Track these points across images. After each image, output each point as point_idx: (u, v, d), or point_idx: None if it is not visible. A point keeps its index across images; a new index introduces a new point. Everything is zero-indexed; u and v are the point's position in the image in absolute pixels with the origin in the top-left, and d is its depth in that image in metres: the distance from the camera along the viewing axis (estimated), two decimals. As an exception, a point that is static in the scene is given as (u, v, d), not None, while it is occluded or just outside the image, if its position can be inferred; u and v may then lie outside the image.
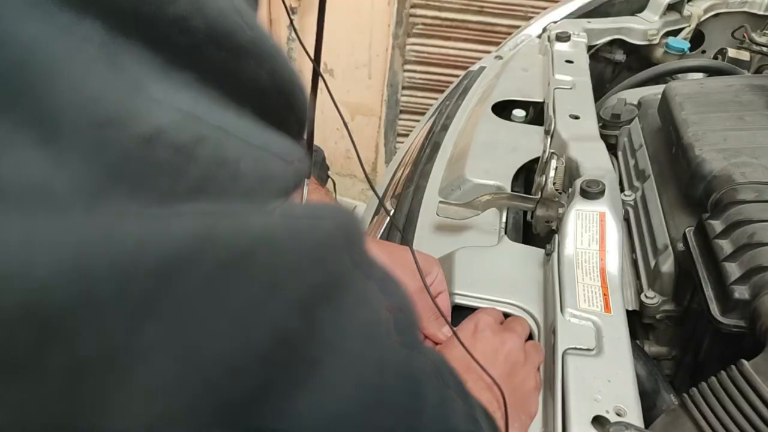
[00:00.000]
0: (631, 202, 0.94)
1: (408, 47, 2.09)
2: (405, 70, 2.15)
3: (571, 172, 0.80)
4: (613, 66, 1.31)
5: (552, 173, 0.74)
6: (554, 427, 0.48)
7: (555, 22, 1.24)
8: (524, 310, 0.62)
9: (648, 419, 0.56)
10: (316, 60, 0.62)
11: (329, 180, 2.30)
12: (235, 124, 0.20)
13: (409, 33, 2.06)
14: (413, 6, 2.01)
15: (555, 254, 0.64)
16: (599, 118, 1.09)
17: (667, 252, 0.77)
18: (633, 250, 0.88)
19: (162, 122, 0.16)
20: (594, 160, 0.77)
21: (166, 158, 0.16)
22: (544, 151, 0.77)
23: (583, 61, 1.07)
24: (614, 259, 0.63)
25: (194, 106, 0.18)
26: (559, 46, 1.10)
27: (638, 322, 0.81)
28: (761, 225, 0.62)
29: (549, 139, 0.78)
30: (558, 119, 0.88)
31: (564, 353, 0.53)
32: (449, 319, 0.60)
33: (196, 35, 0.18)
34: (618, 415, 0.48)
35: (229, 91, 0.20)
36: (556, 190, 0.76)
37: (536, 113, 1.02)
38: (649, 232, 0.84)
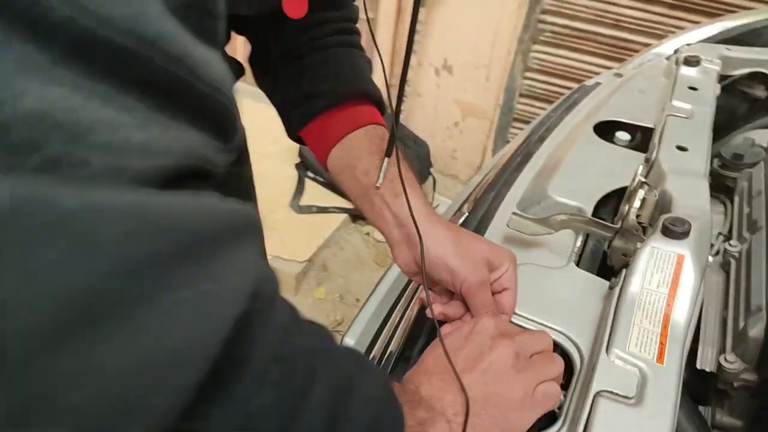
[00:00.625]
0: (735, 254, 0.84)
1: (532, 54, 2.03)
2: (525, 78, 2.09)
3: (663, 206, 0.73)
4: (750, 102, 1.18)
5: (637, 203, 0.69)
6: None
7: (689, 45, 1.14)
8: (571, 340, 0.59)
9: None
10: (406, 58, 0.63)
11: (430, 177, 2.30)
12: (111, 115, 0.23)
13: (535, 39, 1.99)
14: (544, 12, 1.94)
15: (617, 288, 0.60)
16: (719, 157, 0.99)
17: (759, 315, 0.68)
18: (726, 307, 0.80)
19: (17, 112, 0.20)
20: (691, 197, 0.71)
21: (17, 140, 0.20)
22: (635, 179, 0.72)
23: (710, 90, 0.97)
24: (684, 309, 0.57)
25: (65, 98, 0.21)
26: (686, 71, 1.01)
27: (713, 386, 0.73)
28: None
29: (644, 167, 0.72)
30: (662, 148, 0.81)
31: (597, 394, 0.50)
32: (509, 317, 0.59)
33: (88, 31, 0.22)
34: (641, 472, 0.44)
35: (121, 84, 0.23)
36: (640, 223, 0.71)
37: (643, 139, 0.95)
38: (746, 290, 0.75)
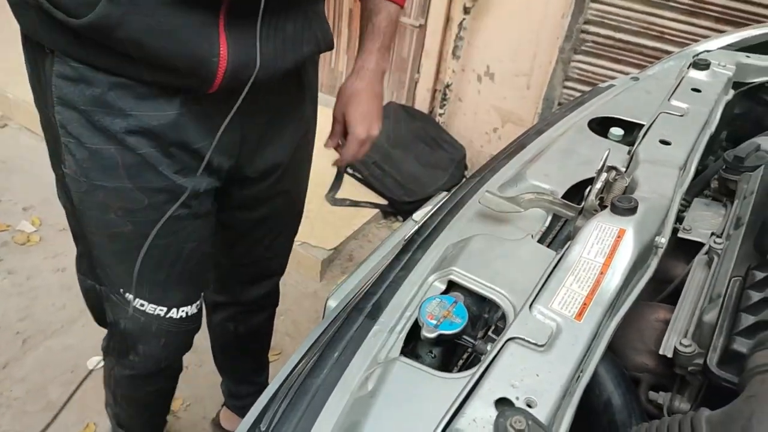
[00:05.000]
0: (719, 251, 0.84)
1: (573, 64, 2.03)
2: (565, 87, 2.09)
3: (630, 192, 0.75)
4: (773, 111, 1.16)
5: (599, 185, 0.71)
6: (460, 393, 0.49)
7: (709, 51, 1.14)
8: (508, 300, 0.62)
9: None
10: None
11: (463, 179, 2.33)
12: None
13: (577, 50, 2.00)
14: (587, 22, 1.94)
15: (558, 257, 0.63)
16: (724, 161, 0.99)
17: (716, 301, 0.69)
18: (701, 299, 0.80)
19: None
20: (654, 183, 0.73)
21: None
22: (603, 163, 0.74)
23: (715, 92, 0.97)
24: (616, 279, 0.60)
25: None
26: (693, 74, 1.01)
27: (672, 373, 0.74)
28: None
29: (609, 150, 0.74)
30: (644, 140, 0.83)
31: (509, 339, 0.53)
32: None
33: None
34: (528, 405, 0.48)
35: None
36: (603, 205, 0.73)
37: (637, 136, 0.96)
38: (713, 276, 0.75)
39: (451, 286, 0.67)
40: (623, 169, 0.76)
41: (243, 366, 1.49)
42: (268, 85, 0.81)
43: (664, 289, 0.83)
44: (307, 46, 0.86)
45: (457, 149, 2.36)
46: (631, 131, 0.98)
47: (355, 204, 2.26)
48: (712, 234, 0.94)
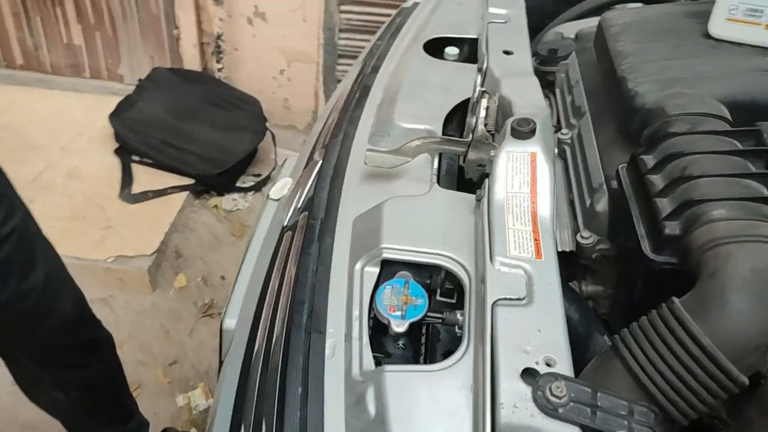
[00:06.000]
0: (568, 141, 0.91)
1: (343, -14, 1.98)
2: (341, 12, 2.04)
3: (503, 111, 0.75)
4: (552, -2, 1.26)
5: (482, 113, 0.69)
6: (483, 382, 0.45)
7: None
8: (454, 260, 0.59)
9: (582, 363, 0.55)
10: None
11: (267, 132, 2.20)
12: None
13: (342, -29, 1.94)
14: (345, -59, 1.89)
15: (485, 199, 0.61)
16: (537, 54, 1.05)
17: (602, 190, 0.75)
18: (570, 190, 0.86)
19: None
20: (526, 97, 0.73)
21: None
22: (475, 90, 0.72)
23: (519, -8, 1.01)
24: (546, 202, 0.60)
25: None
26: (492, -23, 1.03)
27: (575, 263, 0.79)
28: (694, 158, 0.60)
29: (480, 78, 0.73)
30: (490, 55, 0.83)
31: (494, 305, 0.50)
32: None
33: None
34: (548, 365, 0.46)
35: None
36: (488, 131, 0.72)
37: (471, 51, 0.97)
38: (585, 171, 0.81)
39: (384, 264, 0.61)
40: (491, 93, 0.75)
41: (104, 427, 1.26)
42: None
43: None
44: None
45: (251, 103, 2.19)
46: (461, 47, 0.98)
47: (160, 193, 1.99)
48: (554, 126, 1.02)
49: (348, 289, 0.60)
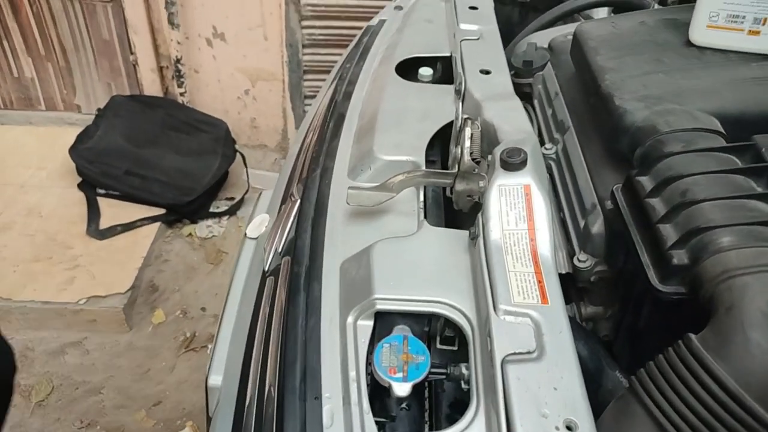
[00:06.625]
0: (553, 156, 0.88)
1: (303, 2, 1.93)
2: (303, 27, 1.99)
3: (488, 136, 0.72)
4: (519, 7, 1.24)
5: (467, 143, 0.66)
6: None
7: (453, -36, 1.14)
8: (454, 307, 0.55)
9: (594, 400, 0.52)
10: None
11: (237, 155, 2.14)
12: None
13: (302, -15, 1.89)
14: (303, -45, 1.84)
15: (481, 239, 0.57)
16: (511, 66, 1.02)
17: (596, 212, 0.72)
18: (560, 209, 0.83)
19: None
20: (511, 121, 0.70)
21: None
22: (457, 117, 0.69)
23: (488, 5, 0.98)
24: (545, 238, 0.56)
25: None
26: (460, -9, 1.01)
27: (572, 285, 0.77)
28: (693, 180, 0.57)
29: (461, 103, 0.69)
30: (468, 77, 0.80)
31: (503, 362, 0.46)
32: None
33: None
34: (569, 429, 0.42)
35: None
36: (474, 159, 0.69)
37: (445, 70, 0.93)
38: (575, 190, 0.79)
39: (378, 315, 0.57)
40: (471, 118, 0.72)
41: None
42: None
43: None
44: None
45: (216, 125, 2.12)
46: (434, 66, 0.95)
47: (129, 227, 1.91)
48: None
49: (341, 345, 0.56)
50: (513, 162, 0.60)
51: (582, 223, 0.75)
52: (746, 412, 0.44)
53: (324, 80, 1.15)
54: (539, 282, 0.52)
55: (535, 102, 1.01)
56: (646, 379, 0.49)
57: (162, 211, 1.96)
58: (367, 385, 0.52)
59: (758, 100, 0.64)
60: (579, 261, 0.73)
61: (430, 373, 0.51)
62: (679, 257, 0.53)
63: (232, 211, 2.07)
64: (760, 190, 0.56)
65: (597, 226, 0.71)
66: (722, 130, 0.63)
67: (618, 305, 0.72)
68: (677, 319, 0.58)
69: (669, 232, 0.56)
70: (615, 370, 0.59)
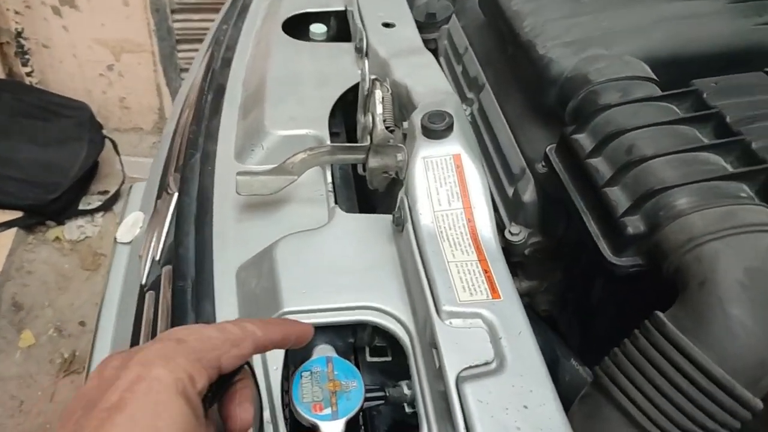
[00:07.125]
0: (468, 118, 0.80)
1: (165, -41, 1.69)
2: (169, -10, 1.75)
3: (401, 100, 0.61)
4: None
5: (380, 109, 0.55)
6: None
7: None
8: (384, 311, 0.44)
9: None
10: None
11: (105, 141, 1.87)
12: None
13: (162, -60, 1.65)
14: None
15: (409, 224, 0.47)
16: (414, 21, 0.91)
17: (525, 177, 0.64)
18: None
19: None
20: (426, 80, 0.60)
21: None
22: (363, 79, 0.57)
23: (381, -49, 0.86)
24: (484, 216, 0.47)
25: None
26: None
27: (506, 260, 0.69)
28: (637, 134, 0.50)
29: (366, 62, 0.58)
30: (369, 31, 0.68)
31: (458, 380, 0.37)
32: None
33: None
34: (549, 458, 0.34)
35: None
36: (388, 128, 0.58)
37: (340, 25, 0.81)
38: (498, 155, 0.71)
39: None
40: (379, 79, 0.60)
41: None
42: None
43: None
44: None
45: (77, 108, 1.83)
46: (327, 22, 0.82)
47: (-21, 236, 1.61)
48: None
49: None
50: (437, 128, 0.49)
51: (510, 191, 0.67)
52: (737, 402, 0.38)
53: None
54: (486, 272, 0.43)
55: (442, 60, 0.91)
56: (614, 372, 0.42)
57: (19, 213, 1.67)
58: (286, 428, 0.41)
59: (689, 39, 0.58)
60: (511, 234, 0.65)
61: (365, 399, 0.40)
62: (634, 225, 0.46)
63: (106, 207, 1.82)
64: (707, 141, 0.50)
65: (528, 194, 0.64)
66: (654, 77, 0.57)
67: (559, 277, 0.65)
68: (635, 293, 0.52)
69: (618, 197, 0.48)
70: (569, 359, 0.52)
